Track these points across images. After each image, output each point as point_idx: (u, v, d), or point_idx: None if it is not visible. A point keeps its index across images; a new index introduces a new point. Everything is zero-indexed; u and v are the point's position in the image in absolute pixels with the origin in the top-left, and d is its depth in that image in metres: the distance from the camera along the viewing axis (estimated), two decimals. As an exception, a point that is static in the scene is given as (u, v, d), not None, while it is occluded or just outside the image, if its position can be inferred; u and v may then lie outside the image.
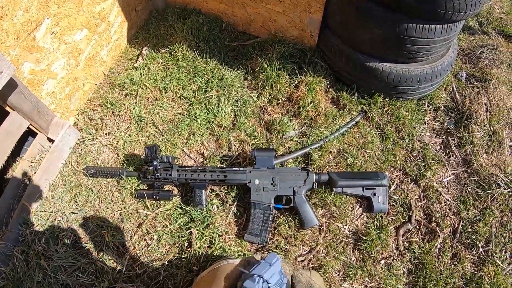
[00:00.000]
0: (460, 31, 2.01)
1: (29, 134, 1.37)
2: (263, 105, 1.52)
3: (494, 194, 1.36)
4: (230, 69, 1.60)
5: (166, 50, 1.69)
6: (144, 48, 1.76)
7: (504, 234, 1.30)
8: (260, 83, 1.53)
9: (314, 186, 1.25)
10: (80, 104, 1.53)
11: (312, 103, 1.46)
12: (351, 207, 1.32)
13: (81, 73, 1.48)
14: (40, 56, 1.22)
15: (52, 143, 1.37)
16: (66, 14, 1.30)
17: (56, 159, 1.35)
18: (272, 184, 1.24)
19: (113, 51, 1.69)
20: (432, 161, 1.43)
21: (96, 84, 1.62)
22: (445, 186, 1.42)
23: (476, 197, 1.37)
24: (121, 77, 1.61)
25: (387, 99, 1.53)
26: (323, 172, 1.32)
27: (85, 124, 1.48)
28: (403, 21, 1.21)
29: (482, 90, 1.67)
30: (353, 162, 1.38)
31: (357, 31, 1.36)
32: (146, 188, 1.33)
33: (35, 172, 1.30)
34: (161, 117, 1.48)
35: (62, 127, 1.37)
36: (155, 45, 1.74)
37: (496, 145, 1.51)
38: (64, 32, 1.32)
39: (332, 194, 1.27)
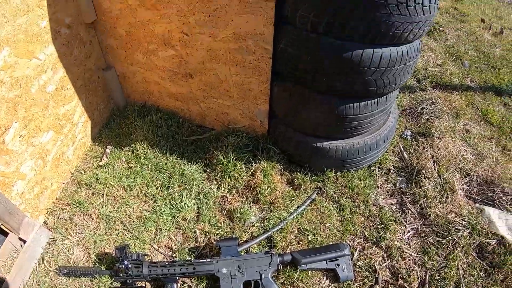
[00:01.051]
0: (400, 92, 2.36)
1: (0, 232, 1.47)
2: (224, 195, 1.70)
3: (455, 239, 1.51)
4: (189, 163, 1.80)
5: (129, 148, 1.89)
6: (108, 146, 1.96)
7: (473, 273, 1.43)
8: (218, 175, 1.72)
9: (279, 268, 1.38)
10: (49, 203, 1.67)
11: (269, 188, 1.65)
12: (319, 281, 1.44)
13: (49, 173, 1.63)
14: (9, 158, 1.37)
15: (24, 243, 1.47)
16: (33, 118, 1.48)
17: (29, 259, 1.45)
18: (239, 271, 1.38)
19: (78, 150, 1.87)
20: (390, 222, 1.61)
21: (63, 183, 1.78)
22: (406, 242, 1.57)
23: (438, 246, 1.52)
24: (87, 176, 1.77)
25: (339, 173, 1.75)
26: (286, 252, 1.46)
27: (55, 223, 1.61)
28: (339, 103, 1.45)
29: (427, 144, 1.93)
30: (314, 238, 1.53)
31: (300, 117, 1.60)
32: (119, 286, 1.43)
33: (8, 272, 1.39)
34: (128, 215, 1.63)
35: (33, 227, 1.49)
36: (117, 143, 1.95)
37: (448, 193, 1.70)
38: (32, 134, 1.49)
39: (298, 272, 1.40)
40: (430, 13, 1.30)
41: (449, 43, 3.17)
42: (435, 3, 1.29)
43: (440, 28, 3.42)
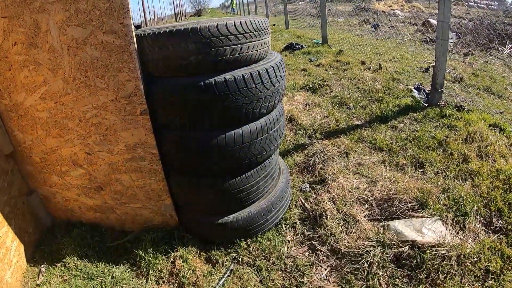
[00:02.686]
0: (293, 153, 2.72)
1: None
2: (153, 287, 1.86)
3: (369, 260, 1.68)
4: (117, 266, 1.95)
5: (61, 263, 2.02)
6: (42, 265, 2.08)
7: (396, 282, 1.58)
8: (144, 270, 1.89)
9: None
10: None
11: (190, 271, 1.83)
12: None
13: (-8, 297, 1.70)
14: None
15: None
16: None
17: None
18: None
19: (16, 273, 1.95)
20: (305, 267, 1.79)
21: (7, 306, 1.84)
22: (326, 279, 1.73)
23: (356, 272, 1.68)
24: (28, 297, 1.88)
25: (249, 240, 1.95)
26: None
27: None
28: (223, 181, 1.74)
29: (324, 190, 2.21)
30: (238, 303, 1.71)
31: (197, 201, 1.87)
32: None
33: None
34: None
35: None
36: (51, 261, 2.06)
37: (352, 223, 1.93)
38: None
39: None
40: (274, 86, 1.67)
41: (334, 93, 3.71)
42: (276, 77, 1.67)
43: (325, 83, 3.98)
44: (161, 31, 1.52)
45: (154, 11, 21.57)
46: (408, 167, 2.38)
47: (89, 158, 1.91)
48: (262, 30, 1.66)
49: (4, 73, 1.88)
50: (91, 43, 1.63)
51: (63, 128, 1.87)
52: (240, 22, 1.55)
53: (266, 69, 1.63)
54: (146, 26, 11.45)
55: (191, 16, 49.16)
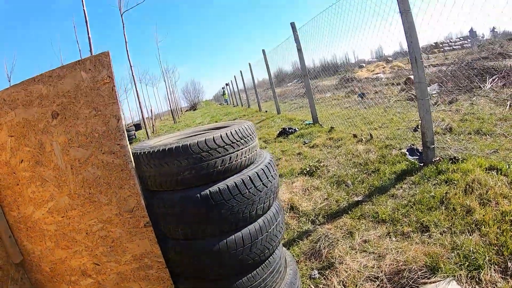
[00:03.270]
0: (298, 241, 2.73)
1: None
2: None
3: None
4: None
5: None
6: None
7: None
8: None
9: None
10: None
11: None
12: None
13: None
14: None
15: None
16: None
17: None
18: None
19: None
20: None
21: None
22: None
23: None
24: None
25: None
26: None
27: None
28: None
29: (332, 273, 2.21)
30: None
31: None
32: None
33: None
34: None
35: None
36: None
37: None
38: None
39: None
40: (267, 187, 1.76)
41: (331, 173, 3.80)
42: (267, 178, 1.76)
43: (321, 164, 4.08)
44: (155, 150, 1.64)
45: (151, 109, 22.67)
46: (413, 234, 2.38)
47: (97, 268, 1.96)
48: (248, 136, 1.80)
49: (12, 187, 2.00)
50: (93, 162, 1.75)
51: (71, 240, 1.95)
52: (226, 133, 1.69)
53: (256, 173, 1.74)
54: (145, 124, 12.05)
55: (186, 110, 51.57)
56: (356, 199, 3.09)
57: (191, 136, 2.24)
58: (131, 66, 10.95)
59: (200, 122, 16.89)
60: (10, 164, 1.97)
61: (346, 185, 3.40)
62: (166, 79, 29.68)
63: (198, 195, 1.60)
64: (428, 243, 2.25)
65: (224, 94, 36.27)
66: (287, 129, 6.64)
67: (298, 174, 4.12)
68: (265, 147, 6.18)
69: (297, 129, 6.59)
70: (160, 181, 1.68)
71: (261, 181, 1.74)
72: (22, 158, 1.92)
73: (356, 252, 2.38)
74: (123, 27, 10.87)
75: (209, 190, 1.61)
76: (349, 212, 2.88)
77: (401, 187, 3.08)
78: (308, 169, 4.08)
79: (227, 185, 1.63)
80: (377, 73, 12.32)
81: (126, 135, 1.69)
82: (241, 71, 17.57)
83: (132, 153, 1.73)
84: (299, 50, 6.76)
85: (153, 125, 19.00)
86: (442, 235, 2.28)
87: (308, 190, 3.53)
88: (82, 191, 1.81)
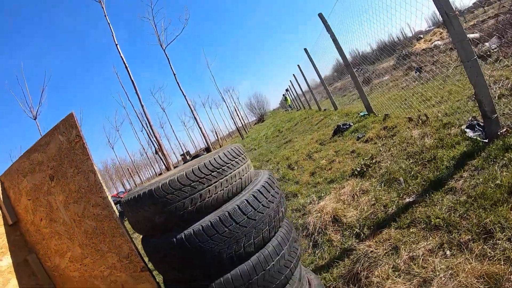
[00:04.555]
0: (338, 261, 2.54)
1: None
2: None
3: None
4: None
5: None
6: None
7: None
8: None
9: None
10: None
11: None
12: None
13: None
14: None
15: None
16: None
17: None
18: None
19: None
20: None
21: None
22: None
23: None
24: None
25: None
26: None
27: None
28: None
29: None
30: None
31: None
32: None
33: None
34: None
35: None
36: None
37: None
38: None
39: None
40: (255, 220, 1.69)
41: (383, 170, 3.45)
42: (255, 210, 1.69)
43: (373, 161, 3.74)
44: (131, 197, 1.71)
45: (216, 132, 23.74)
46: (472, 243, 1.99)
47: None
48: (225, 165, 1.73)
49: (41, 242, 2.30)
50: (87, 215, 1.92)
51: (91, 284, 2.16)
52: (192, 170, 1.65)
53: (237, 206, 1.66)
54: (213, 149, 12.58)
55: (255, 123, 52.49)
56: (407, 200, 2.75)
57: (185, 168, 2.28)
58: (184, 96, 11.67)
59: (265, 134, 17.09)
60: (34, 223, 2.27)
61: (397, 183, 3.07)
62: (226, 98, 31.22)
63: (174, 239, 1.61)
64: (490, 257, 1.85)
65: (286, 100, 36.19)
66: (342, 126, 6.40)
67: (349, 176, 3.87)
68: (320, 150, 5.99)
69: (351, 124, 6.30)
70: (141, 227, 1.74)
71: (245, 214, 1.66)
72: (41, 217, 2.20)
73: (399, 274, 2.09)
74: (169, 61, 11.71)
75: (184, 233, 1.60)
76: (397, 219, 2.57)
77: (461, 177, 2.62)
78: (359, 169, 3.81)
79: (201, 226, 1.60)
80: (434, 41, 10.93)
81: (105, 188, 1.81)
82: (294, 75, 17.51)
83: (124, 201, 1.83)
84: (334, 40, 6.41)
85: (220, 146, 19.87)
86: (510, 241, 1.89)
87: (356, 195, 3.28)
88: (87, 241, 2.00)
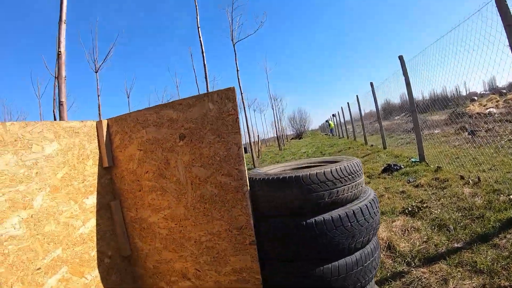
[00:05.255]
0: (391, 281, 2.87)
1: None
2: None
3: None
4: None
5: None
6: None
7: None
8: None
9: None
10: None
11: None
12: None
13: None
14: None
15: None
16: None
17: None
18: None
19: None
20: None
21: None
22: None
23: None
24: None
25: None
26: None
27: None
28: None
29: None
30: None
31: None
32: None
33: None
34: None
35: None
36: None
37: None
38: None
39: None
40: (368, 223, 2.00)
41: (433, 215, 3.84)
42: (369, 214, 1.99)
43: (424, 205, 4.14)
44: (270, 178, 1.98)
45: (258, 135, 23.97)
46: None
47: (198, 274, 2.36)
48: (355, 173, 2.06)
49: (134, 192, 2.49)
50: (211, 181, 2.15)
51: (180, 246, 2.38)
52: (336, 169, 1.97)
53: (360, 208, 1.99)
54: (251, 148, 12.90)
55: (292, 138, 53.48)
56: (456, 245, 3.13)
57: (302, 167, 2.55)
58: (241, 93, 11.91)
59: (305, 151, 17.36)
60: (136, 172, 2.47)
61: (447, 230, 3.44)
62: (274, 107, 31.46)
63: (304, 223, 1.90)
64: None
65: (330, 124, 37.15)
66: (392, 166, 6.71)
67: (400, 213, 4.21)
68: (369, 182, 6.29)
69: (402, 166, 6.64)
70: (271, 207, 2.01)
71: (363, 216, 1.98)
72: (148, 170, 2.41)
73: (447, 302, 2.46)
74: (235, 56, 11.93)
75: (314, 220, 1.90)
76: (447, 258, 2.94)
77: (505, 237, 3.05)
78: (410, 209, 4.16)
79: (331, 216, 1.91)
80: (489, 108, 11.68)
81: (244, 162, 2.06)
82: (348, 103, 18.38)
83: (248, 178, 2.08)
84: (408, 84, 6.84)
85: (258, 150, 20.06)
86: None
87: (408, 230, 3.62)
88: (198, 205, 2.22)
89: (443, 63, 5.37)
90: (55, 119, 7.62)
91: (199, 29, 8.30)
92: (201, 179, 2.19)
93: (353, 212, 1.95)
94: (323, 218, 1.90)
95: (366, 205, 2.02)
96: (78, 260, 2.19)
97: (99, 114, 12.06)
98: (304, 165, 2.69)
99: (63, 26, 4.28)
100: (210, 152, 2.13)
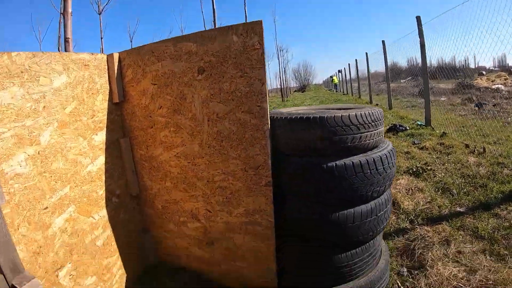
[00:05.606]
0: (394, 236, 2.90)
1: None
2: None
3: None
4: None
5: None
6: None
7: None
8: None
9: None
10: None
11: None
12: None
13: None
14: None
15: None
16: (82, 263, 2.06)
17: None
18: None
19: None
20: None
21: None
22: None
23: None
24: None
25: None
26: None
27: None
28: (333, 253, 2.02)
29: (421, 275, 2.36)
30: None
31: (301, 271, 2.12)
32: None
33: None
34: None
35: None
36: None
37: None
38: (79, 276, 2.03)
39: None
40: (386, 173, 1.97)
41: (437, 178, 3.87)
42: (388, 164, 1.96)
43: (428, 168, 4.15)
44: (293, 117, 1.92)
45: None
46: (509, 257, 2.42)
47: (208, 215, 2.33)
48: (378, 121, 2.01)
49: (145, 129, 2.42)
50: (230, 118, 2.08)
51: (191, 185, 2.33)
52: (361, 113, 1.91)
53: (380, 156, 1.94)
54: None
55: (295, 91, 52.64)
56: (458, 209, 3.17)
57: (324, 110, 2.47)
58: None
59: (309, 103, 17.22)
60: (149, 108, 2.38)
61: (450, 193, 3.48)
62: (280, 57, 30.83)
63: (325, 165, 1.86)
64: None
65: (333, 80, 36.60)
66: (398, 126, 6.70)
67: (404, 172, 4.25)
68: None
69: (407, 128, 6.64)
70: (292, 146, 1.96)
71: (383, 165, 1.94)
72: (161, 105, 2.32)
73: (448, 260, 2.49)
74: (245, 3, 11.69)
75: (335, 163, 1.86)
76: (449, 220, 2.98)
77: (506, 208, 3.09)
78: (414, 169, 4.20)
79: (352, 161, 1.86)
80: (497, 84, 11.66)
81: (268, 98, 1.99)
82: (356, 60, 18.29)
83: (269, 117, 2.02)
84: (422, 45, 6.73)
85: None
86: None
87: (412, 190, 3.66)
88: (214, 143, 2.16)
89: (457, 32, 5.27)
90: (59, 55, 7.39)
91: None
92: (219, 115, 2.11)
93: (373, 159, 1.91)
94: (344, 162, 1.86)
95: (386, 154, 1.98)
96: (86, 199, 2.14)
97: (102, 56, 11.78)
98: (324, 109, 2.63)
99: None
100: (231, 87, 2.05)
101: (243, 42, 1.99)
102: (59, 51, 7.83)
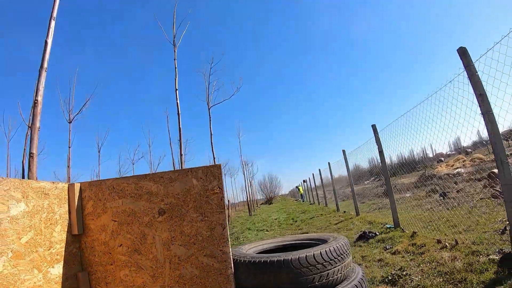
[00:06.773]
0: None
1: None
2: None
3: None
4: None
5: None
6: None
7: None
8: None
9: None
10: None
11: None
12: None
13: None
14: None
15: None
16: None
17: None
18: None
19: None
20: None
21: None
22: None
23: None
24: None
25: None
26: None
27: None
28: None
29: None
30: None
31: None
32: None
33: None
34: None
35: None
36: None
37: None
38: None
39: None
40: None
41: (414, 283, 3.81)
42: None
43: (404, 273, 4.13)
44: (257, 261, 1.87)
45: (228, 200, 24.15)
46: None
47: None
48: (345, 253, 1.98)
49: (105, 266, 2.31)
50: (192, 262, 2.01)
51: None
52: (326, 250, 1.88)
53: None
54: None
55: (262, 203, 53.91)
56: None
57: (286, 244, 2.46)
58: (214, 158, 11.79)
59: (276, 218, 17.09)
60: (108, 244, 2.29)
61: None
62: (245, 172, 31.23)
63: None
64: None
65: (299, 190, 37.43)
66: (367, 233, 6.69)
67: (380, 282, 4.12)
68: None
69: (377, 233, 6.65)
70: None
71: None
72: (122, 243, 2.24)
73: None
74: (210, 121, 11.93)
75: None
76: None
77: (490, 299, 3.05)
78: (390, 277, 4.09)
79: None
80: (457, 168, 12.15)
81: (229, 243, 1.96)
82: (319, 170, 18.73)
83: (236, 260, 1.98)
84: (381, 152, 7.01)
85: (228, 216, 19.67)
86: None
87: None
88: (176, 286, 2.07)
89: (412, 130, 5.59)
90: (23, 170, 7.18)
91: (177, 91, 8.22)
92: (181, 258, 2.04)
93: (344, 299, 1.87)
94: (313, 307, 1.81)
95: (356, 285, 1.95)
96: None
97: (68, 166, 11.50)
98: (287, 243, 2.62)
99: (44, 74, 4.09)
100: (192, 230, 2.01)
101: (203, 186, 1.99)
102: (22, 163, 7.70)
